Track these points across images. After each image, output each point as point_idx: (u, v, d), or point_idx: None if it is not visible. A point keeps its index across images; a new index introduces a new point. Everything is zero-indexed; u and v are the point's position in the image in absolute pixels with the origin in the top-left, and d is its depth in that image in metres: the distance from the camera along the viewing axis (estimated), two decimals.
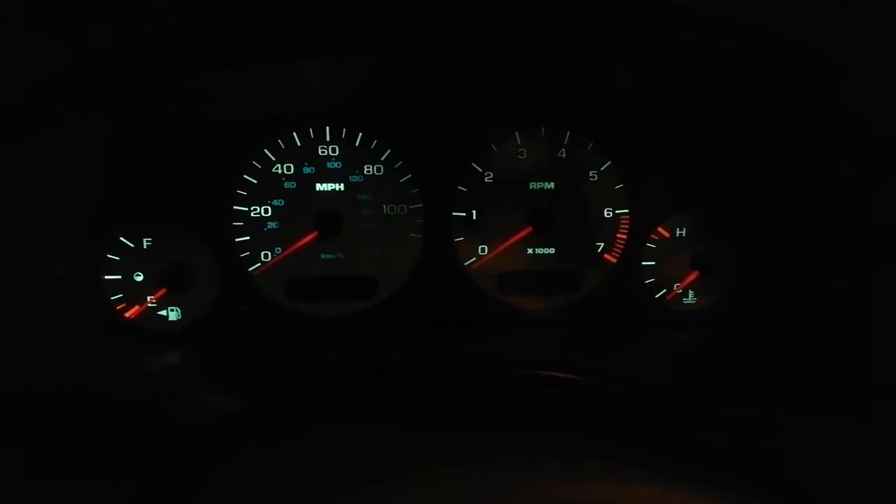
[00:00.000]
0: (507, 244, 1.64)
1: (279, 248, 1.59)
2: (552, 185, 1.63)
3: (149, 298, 1.55)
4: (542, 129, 1.62)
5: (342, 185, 1.59)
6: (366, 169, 1.59)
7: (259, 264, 1.59)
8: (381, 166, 1.60)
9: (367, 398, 1.06)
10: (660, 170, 1.63)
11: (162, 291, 1.54)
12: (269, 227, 1.58)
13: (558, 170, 1.63)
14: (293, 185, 1.57)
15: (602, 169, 1.63)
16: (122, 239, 1.52)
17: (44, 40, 0.73)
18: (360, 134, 1.58)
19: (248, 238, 1.58)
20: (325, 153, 1.58)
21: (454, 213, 1.64)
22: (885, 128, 0.91)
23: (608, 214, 1.66)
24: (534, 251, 1.67)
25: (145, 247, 1.53)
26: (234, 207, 1.56)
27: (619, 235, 1.66)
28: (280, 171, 1.57)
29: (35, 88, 0.75)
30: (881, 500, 0.82)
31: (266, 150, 1.55)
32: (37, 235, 1.32)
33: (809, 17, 0.81)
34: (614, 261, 1.68)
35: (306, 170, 1.57)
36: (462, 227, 1.65)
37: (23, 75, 0.73)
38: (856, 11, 0.78)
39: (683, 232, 1.66)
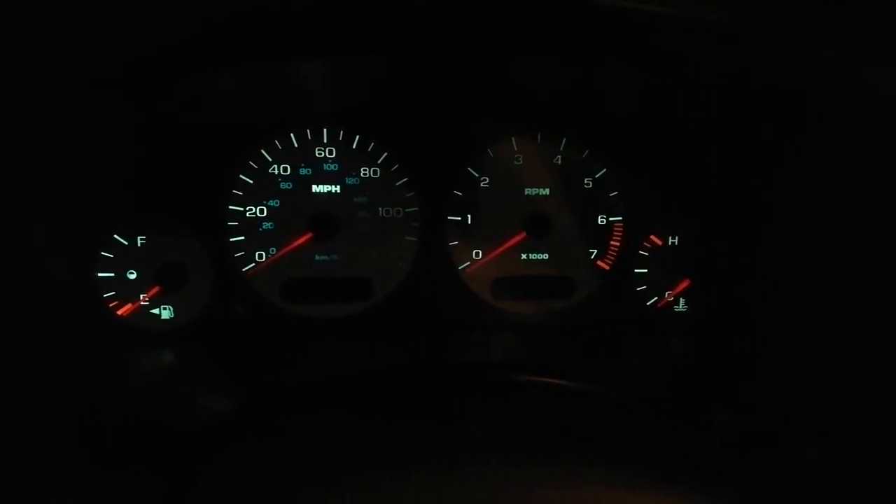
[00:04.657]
0: (501, 249, 1.64)
1: (274, 249, 1.59)
2: (547, 191, 1.64)
3: (142, 297, 1.54)
4: (539, 135, 1.63)
5: (338, 186, 1.59)
6: (362, 171, 1.60)
7: (253, 264, 1.59)
8: (378, 169, 1.60)
9: (354, 401, 1.06)
10: (654, 178, 1.64)
11: (155, 290, 1.54)
12: (264, 227, 1.58)
13: (553, 176, 1.64)
14: (289, 185, 1.58)
15: (597, 176, 1.64)
16: (116, 236, 1.52)
17: (44, 42, 0.73)
18: (357, 136, 1.58)
19: (242, 238, 1.58)
20: (322, 155, 1.58)
21: (449, 217, 1.64)
22: (884, 146, 0.93)
23: (602, 221, 1.67)
24: (528, 257, 1.67)
25: (139, 245, 1.53)
26: (230, 207, 1.56)
27: (612, 242, 1.68)
28: (276, 171, 1.57)
29: (36, 91, 0.75)
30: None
31: (263, 151, 1.55)
32: (33, 233, 1.32)
33: (809, 26, 0.82)
34: (607, 267, 1.69)
35: (303, 171, 1.58)
36: (457, 231, 1.65)
37: (24, 79, 0.73)
38: (860, 27, 0.79)
39: (676, 240, 1.67)
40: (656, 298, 1.70)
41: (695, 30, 0.86)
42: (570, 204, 1.65)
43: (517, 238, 1.64)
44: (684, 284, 1.68)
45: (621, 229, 1.67)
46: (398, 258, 1.64)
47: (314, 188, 1.59)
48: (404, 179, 1.61)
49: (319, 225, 1.59)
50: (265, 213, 1.58)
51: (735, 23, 0.83)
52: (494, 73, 1.43)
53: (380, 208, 1.62)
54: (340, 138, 1.58)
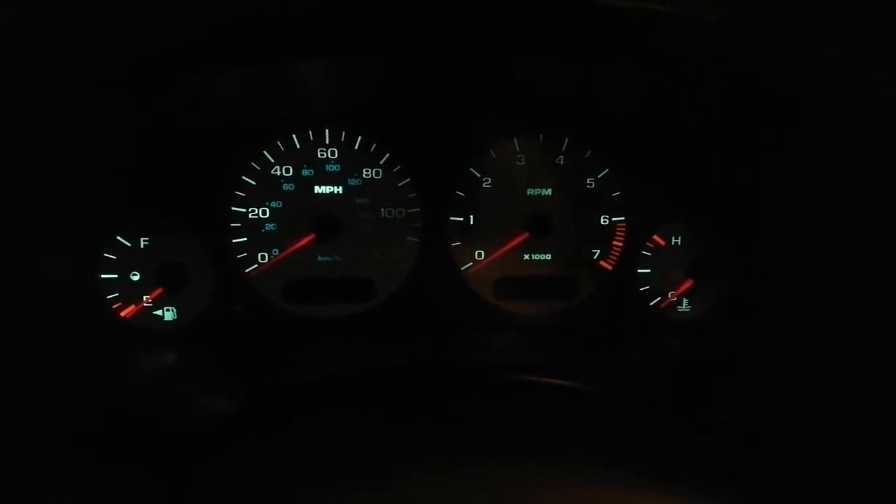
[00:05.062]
0: (503, 250, 1.64)
1: (276, 250, 1.59)
2: (549, 191, 1.64)
3: (145, 298, 1.55)
4: (541, 135, 1.63)
5: (340, 188, 1.60)
6: (364, 172, 1.60)
7: (256, 265, 1.60)
8: (380, 170, 1.60)
9: (354, 401, 1.06)
10: (657, 178, 1.64)
11: (158, 291, 1.54)
12: (266, 228, 1.59)
13: (556, 176, 1.64)
14: (291, 187, 1.58)
15: (599, 176, 1.64)
16: (119, 238, 1.52)
17: (44, 42, 0.73)
18: (360, 137, 1.58)
19: (245, 239, 1.58)
20: (324, 156, 1.58)
21: (451, 218, 1.64)
22: (884, 146, 0.92)
23: (605, 222, 1.67)
24: (530, 257, 1.67)
25: (142, 246, 1.53)
26: (232, 208, 1.57)
27: (615, 243, 1.67)
28: (279, 172, 1.57)
29: (36, 91, 0.75)
30: None
31: (265, 152, 1.56)
32: (34, 234, 1.32)
33: (810, 26, 0.82)
34: (610, 268, 1.68)
35: (305, 172, 1.58)
36: (459, 232, 1.65)
37: (24, 79, 0.73)
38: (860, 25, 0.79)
39: (679, 240, 1.67)
40: (659, 299, 1.69)
41: (695, 30, 0.86)
42: (573, 204, 1.65)
43: (519, 238, 1.64)
44: (687, 285, 1.67)
45: (624, 229, 1.67)
46: (400, 259, 1.64)
47: (316, 189, 1.59)
48: (406, 180, 1.61)
49: (322, 226, 1.59)
50: (268, 214, 1.58)
51: (735, 23, 0.83)
52: (495, 73, 1.43)
53: (382, 209, 1.62)
54: (342, 139, 1.58)
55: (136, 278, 1.54)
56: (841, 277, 1.24)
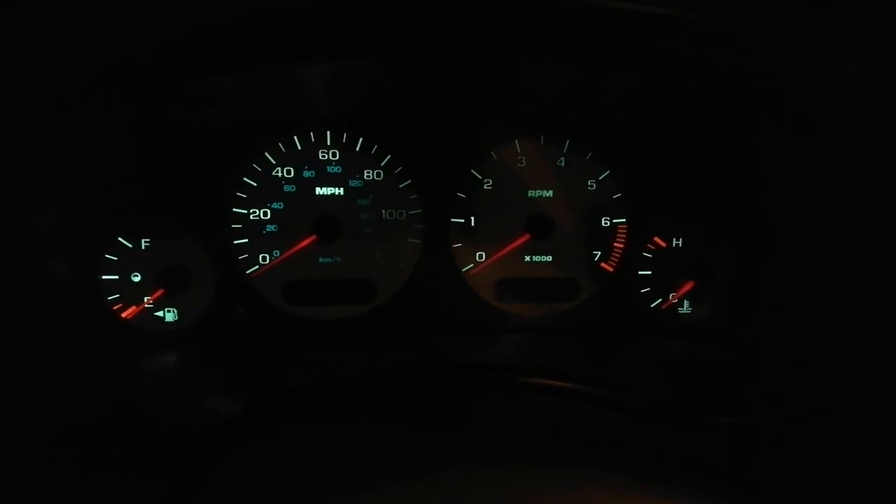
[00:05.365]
0: (504, 251, 1.64)
1: (277, 251, 1.59)
2: (550, 193, 1.64)
3: (146, 299, 1.54)
4: (542, 137, 1.63)
5: (342, 189, 1.60)
6: (366, 174, 1.60)
7: (257, 267, 1.60)
8: (381, 171, 1.60)
9: (356, 403, 1.06)
10: (657, 180, 1.63)
11: (159, 292, 1.54)
12: (267, 229, 1.59)
13: (557, 178, 1.64)
14: (293, 188, 1.58)
15: (600, 178, 1.64)
16: (120, 239, 1.52)
17: (45, 43, 0.73)
18: (361, 139, 1.58)
19: (246, 240, 1.58)
20: (326, 157, 1.58)
21: (453, 220, 1.64)
22: (887, 145, 0.92)
23: (605, 223, 1.66)
24: (531, 259, 1.67)
25: (143, 247, 1.53)
26: (234, 210, 1.57)
27: (616, 244, 1.67)
28: (280, 174, 1.57)
29: (35, 94, 0.75)
30: None
31: (266, 154, 1.56)
32: (36, 235, 1.32)
33: (810, 27, 0.82)
34: (611, 269, 1.68)
35: (306, 173, 1.58)
36: (460, 234, 1.65)
37: (25, 81, 0.74)
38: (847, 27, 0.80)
39: (680, 242, 1.67)
40: (660, 300, 1.69)
41: (695, 32, 0.86)
42: (574, 206, 1.65)
43: (521, 240, 1.64)
44: (688, 286, 1.67)
45: (624, 231, 1.66)
46: (401, 260, 1.65)
47: (318, 190, 1.59)
48: (407, 182, 1.61)
49: (323, 227, 1.59)
50: (269, 216, 1.58)
51: (735, 25, 0.84)
52: (496, 75, 1.43)
53: (383, 210, 1.62)
54: (344, 141, 1.58)
55: (137, 279, 1.54)
56: (843, 278, 1.25)
